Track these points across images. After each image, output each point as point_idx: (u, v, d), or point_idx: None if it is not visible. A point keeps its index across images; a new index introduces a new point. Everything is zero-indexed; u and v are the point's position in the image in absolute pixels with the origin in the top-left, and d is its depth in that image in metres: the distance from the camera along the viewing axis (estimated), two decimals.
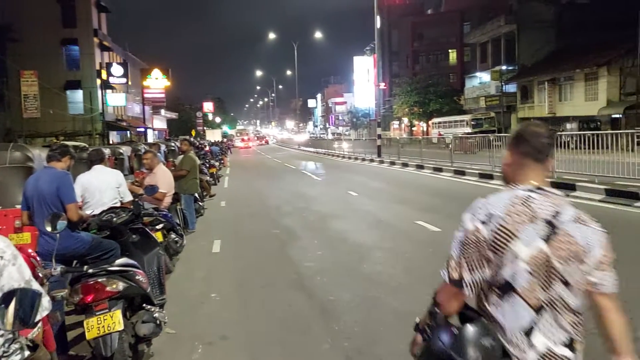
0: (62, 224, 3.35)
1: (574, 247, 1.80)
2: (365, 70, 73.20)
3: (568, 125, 30.37)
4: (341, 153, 35.37)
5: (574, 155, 13.09)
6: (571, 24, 36.85)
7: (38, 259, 3.34)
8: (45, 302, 2.14)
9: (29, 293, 1.97)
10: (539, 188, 1.88)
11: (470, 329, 1.81)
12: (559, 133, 13.98)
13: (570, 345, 1.81)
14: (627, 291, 5.05)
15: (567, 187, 11.78)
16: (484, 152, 17.94)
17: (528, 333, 1.78)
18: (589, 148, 12.44)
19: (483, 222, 1.86)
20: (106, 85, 36.66)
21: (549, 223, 1.80)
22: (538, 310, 1.78)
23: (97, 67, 36.58)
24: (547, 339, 1.78)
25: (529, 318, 1.78)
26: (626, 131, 12.77)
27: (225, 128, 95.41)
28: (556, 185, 12.08)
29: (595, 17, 34.73)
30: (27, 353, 2.03)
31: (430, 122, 48.67)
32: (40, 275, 3.00)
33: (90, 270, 3.71)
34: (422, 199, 12.86)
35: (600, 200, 10.43)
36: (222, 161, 27.84)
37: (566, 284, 1.80)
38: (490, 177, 15.10)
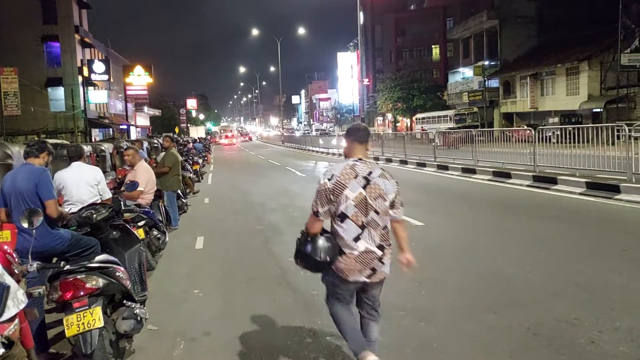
0: (38, 220, 3.30)
1: (380, 191, 3.27)
2: (349, 66, 73.33)
3: (550, 120, 30.72)
4: (325, 149, 35.39)
5: (556, 150, 13.25)
6: (552, 19, 37.31)
7: (14, 255, 3.30)
8: (20, 296, 2.11)
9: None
10: (360, 159, 3.33)
11: (319, 239, 3.34)
12: (540, 127, 14.11)
13: (379, 246, 3.34)
14: (607, 286, 5.15)
15: (548, 180, 11.91)
16: (467, 147, 18.06)
17: (356, 240, 3.25)
18: (570, 142, 12.60)
19: (329, 179, 3.29)
20: (88, 82, 36.24)
21: (365, 178, 3.26)
22: (362, 227, 3.26)
23: (79, 64, 36.16)
24: (366, 243, 3.27)
25: (357, 232, 3.26)
26: (606, 124, 12.95)
27: (208, 125, 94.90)
28: (538, 178, 12.24)
29: (576, 12, 35.17)
30: (2, 350, 2.01)
31: (414, 118, 48.87)
32: (16, 271, 2.96)
33: (68, 267, 3.68)
34: (405, 193, 12.79)
35: (580, 194, 10.57)
36: (206, 158, 27.71)
37: (376, 212, 3.27)
38: (473, 171, 15.21)
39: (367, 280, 3.38)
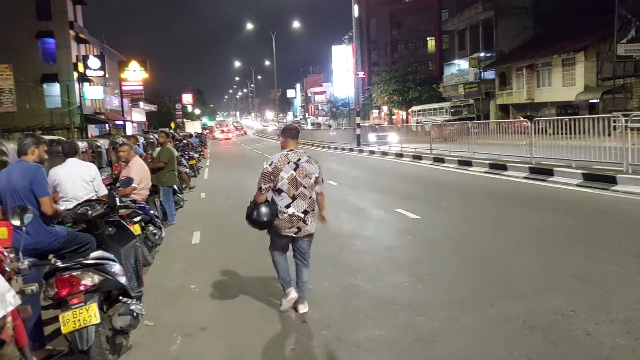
0: (28, 217, 3.28)
1: (306, 172, 4.62)
2: (344, 59, 73.03)
3: (546, 111, 30.72)
4: (321, 143, 35.34)
5: (552, 141, 13.24)
6: (548, 10, 37.27)
7: (5, 253, 3.28)
8: (10, 298, 2.10)
9: None
10: (291, 150, 4.68)
11: (262, 207, 4.61)
12: (537, 119, 14.10)
13: (304, 212, 4.63)
14: (604, 277, 5.16)
15: (544, 172, 11.92)
16: (463, 139, 18.07)
17: (287, 207, 4.58)
18: (566, 133, 12.59)
19: (269, 165, 4.62)
20: (83, 78, 36.07)
21: (295, 163, 4.62)
22: (293, 198, 4.58)
23: (74, 60, 35.99)
24: (294, 209, 4.58)
25: (289, 201, 4.58)
26: (602, 115, 12.94)
27: (204, 120, 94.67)
28: (534, 170, 12.25)
29: (572, 3, 35.14)
30: None
31: (409, 110, 48.85)
32: (7, 269, 2.94)
33: (60, 264, 3.66)
34: (401, 186, 12.93)
35: (577, 185, 10.58)
36: (202, 153, 27.64)
37: (304, 187, 4.60)
38: (469, 164, 15.22)
39: (294, 235, 4.73)
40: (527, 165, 12.67)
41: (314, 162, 4.81)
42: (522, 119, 28.66)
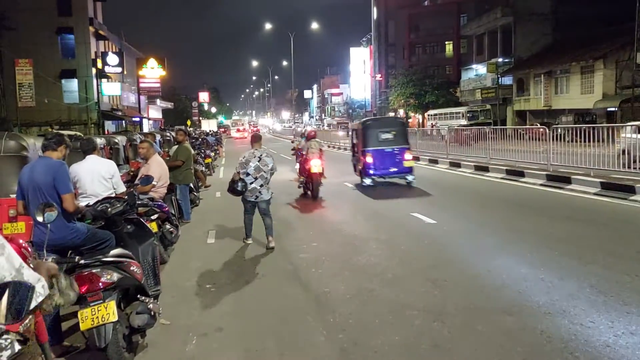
0: (50, 215, 3.30)
1: (265, 162, 7.63)
2: (361, 62, 72.86)
3: (564, 118, 30.38)
4: (337, 144, 35.30)
5: (570, 148, 13.09)
6: (567, 17, 36.84)
7: (30, 249, 3.31)
8: (40, 288, 2.11)
9: (22, 286, 1.95)
10: (257, 149, 7.75)
11: (238, 182, 7.38)
12: (554, 126, 13.95)
13: (261, 185, 7.61)
14: (623, 288, 5.08)
15: (562, 180, 11.77)
16: (480, 144, 17.94)
17: (251, 183, 7.51)
18: (584, 141, 12.45)
19: (243, 158, 7.65)
20: (101, 74, 36.39)
21: (259, 157, 7.62)
22: (255, 178, 7.54)
23: (93, 56, 36.29)
24: (256, 184, 7.55)
25: (253, 179, 7.54)
26: (620, 125, 12.77)
27: (220, 118, 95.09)
28: (551, 177, 12.12)
29: (591, 10, 34.71)
30: (17, 347, 2.01)
31: (426, 114, 48.59)
32: (31, 266, 2.96)
33: (83, 261, 3.69)
34: (417, 190, 12.87)
35: (595, 194, 10.43)
36: (218, 151, 27.76)
37: (264, 172, 7.60)
38: (486, 169, 15.09)
39: (256, 200, 7.63)
40: (545, 172, 12.53)
41: (270, 156, 7.77)
42: (539, 125, 28.41)
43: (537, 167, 13.38)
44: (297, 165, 14.23)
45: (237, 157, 8.23)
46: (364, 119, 16.77)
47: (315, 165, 12.09)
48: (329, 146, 35.60)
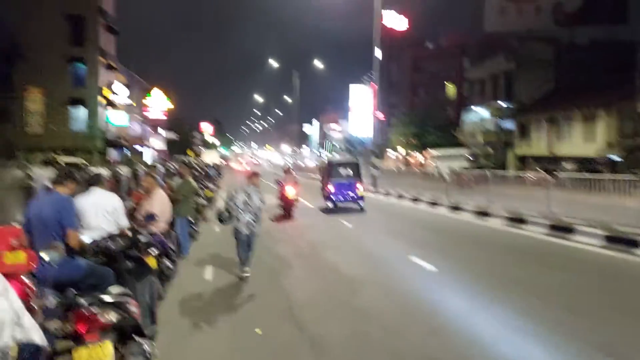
0: (55, 255, 3.32)
1: (253, 197, 8.09)
2: (361, 99, 73.83)
3: (566, 165, 30.52)
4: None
5: (572, 196, 13.05)
6: (570, 64, 37.45)
7: (33, 288, 3.32)
8: (38, 339, 2.12)
9: (33, 347, 1.97)
10: (249, 186, 8.28)
11: (225, 213, 8.23)
12: (557, 174, 14.00)
13: (251, 219, 8.03)
14: (633, 350, 4.97)
15: (564, 229, 11.64)
16: (481, 187, 17.97)
17: (243, 215, 8.02)
18: (587, 189, 12.41)
19: (234, 192, 8.29)
20: (109, 103, 36.84)
21: (247, 193, 8.09)
22: (244, 210, 7.96)
23: (102, 86, 36.82)
24: (246, 217, 7.97)
25: (242, 212, 8.01)
26: (623, 177, 12.69)
27: (221, 150, 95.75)
28: (554, 227, 12.07)
29: (594, 59, 35.35)
30: None
31: (426, 154, 48.91)
32: (34, 306, 2.97)
33: (83, 301, 3.69)
34: (417, 233, 12.85)
35: (598, 246, 10.26)
36: (218, 184, 27.83)
37: (250, 206, 8.01)
38: (487, 214, 15.04)
39: (248, 233, 8.04)
40: (547, 221, 12.49)
41: (258, 192, 8.25)
42: (541, 171, 28.51)
43: (539, 215, 13.35)
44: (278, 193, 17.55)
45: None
46: (329, 159, 23.41)
47: (289, 192, 16.37)
48: (312, 178, 35.60)
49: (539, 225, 12.58)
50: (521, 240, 11.77)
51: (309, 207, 19.41)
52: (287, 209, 16.36)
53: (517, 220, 13.49)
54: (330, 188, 17.67)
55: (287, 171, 17.95)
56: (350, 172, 18.08)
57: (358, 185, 17.70)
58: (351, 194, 17.62)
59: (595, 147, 30.54)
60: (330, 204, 17.71)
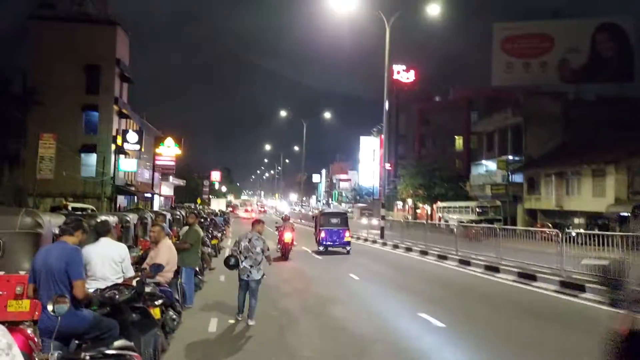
0: (60, 307, 3.27)
1: (255, 244, 8.53)
2: (371, 150, 74.60)
3: (576, 220, 30.26)
4: None
5: (582, 252, 12.84)
6: (578, 119, 37.67)
7: (36, 340, 3.25)
8: None
9: None
10: (252, 232, 8.74)
11: (231, 258, 8.36)
12: (567, 231, 13.83)
13: (251, 266, 8.37)
14: None
15: (576, 287, 11.42)
16: (490, 240, 17.76)
17: (243, 261, 8.37)
18: (597, 245, 12.25)
19: (238, 239, 8.85)
20: (120, 150, 37.35)
21: (249, 239, 8.57)
22: (245, 257, 8.40)
23: (114, 133, 37.42)
24: (246, 264, 8.37)
25: (244, 258, 8.40)
26: (633, 234, 12.49)
27: (230, 197, 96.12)
28: (565, 284, 11.83)
29: (602, 114, 35.62)
30: None
31: (435, 206, 48.74)
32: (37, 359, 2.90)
33: (87, 355, 3.59)
34: (426, 288, 12.61)
35: (610, 304, 10.06)
36: (225, 232, 27.71)
37: (252, 252, 8.42)
38: (497, 269, 14.77)
39: (247, 279, 8.35)
40: (558, 278, 12.26)
41: (261, 239, 8.63)
42: (550, 226, 28.28)
43: (549, 271, 13.11)
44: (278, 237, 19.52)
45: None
46: (321, 210, 27.87)
47: (286, 237, 18.54)
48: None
49: (550, 282, 12.35)
50: (532, 297, 11.52)
51: (309, 254, 20.99)
52: (283, 251, 18.43)
53: (528, 276, 13.25)
54: (322, 234, 20.65)
55: (285, 219, 20.65)
56: (339, 221, 21.13)
57: (345, 232, 20.74)
58: (339, 240, 20.59)
59: (604, 203, 30.34)
60: (321, 247, 20.65)
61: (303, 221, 53.05)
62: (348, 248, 20.65)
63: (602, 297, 10.51)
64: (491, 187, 42.75)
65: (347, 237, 20.71)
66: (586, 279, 11.67)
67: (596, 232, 13.87)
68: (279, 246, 18.79)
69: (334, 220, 21.14)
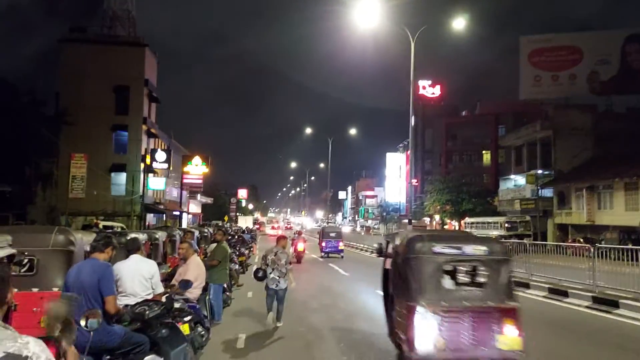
0: (93, 322, 3.36)
1: (280, 256, 9.39)
2: (397, 167, 74.16)
3: (608, 235, 29.51)
4: (369, 247, 35.00)
5: (615, 267, 12.54)
6: (608, 132, 36.94)
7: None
8: None
9: None
10: (277, 247, 9.61)
11: (260, 271, 9.53)
12: (599, 245, 13.51)
13: (278, 276, 9.27)
14: None
15: (609, 303, 11.15)
16: (520, 257, 17.43)
17: (270, 273, 9.31)
18: (632, 260, 11.95)
19: (265, 253, 9.65)
20: (149, 169, 38.04)
21: (275, 253, 9.43)
22: (273, 268, 9.28)
23: (143, 152, 38.18)
24: (274, 274, 9.29)
25: (272, 269, 9.29)
26: None
27: (256, 215, 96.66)
28: (597, 300, 11.56)
29: (633, 126, 34.86)
30: None
31: (462, 222, 48.10)
32: None
33: None
34: None
35: None
36: (252, 249, 27.86)
37: (278, 264, 9.35)
38: (527, 286, 14.48)
39: (276, 288, 9.17)
40: (590, 294, 11.97)
41: (285, 253, 9.49)
42: (582, 241, 27.63)
43: (581, 287, 12.81)
44: (292, 248, 22.43)
45: None
46: (323, 226, 41.23)
47: (299, 247, 24.79)
48: (360, 250, 35.32)
49: (582, 298, 12.06)
50: (564, 313, 11.27)
51: (315, 258, 21.84)
52: (297, 257, 22.85)
53: (559, 292, 12.96)
54: (323, 243, 28.43)
55: (298, 233, 29.82)
56: (335, 235, 29.07)
57: (339, 242, 28.48)
58: (335, 248, 27.97)
59: (638, 217, 29.53)
60: (323, 254, 28.04)
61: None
62: (342, 254, 27.96)
63: (636, 313, 10.24)
64: (520, 202, 42.01)
65: (340, 245, 28.39)
66: (620, 295, 11.38)
67: (630, 246, 13.49)
68: (294, 254, 21.61)
69: (332, 234, 29.10)
